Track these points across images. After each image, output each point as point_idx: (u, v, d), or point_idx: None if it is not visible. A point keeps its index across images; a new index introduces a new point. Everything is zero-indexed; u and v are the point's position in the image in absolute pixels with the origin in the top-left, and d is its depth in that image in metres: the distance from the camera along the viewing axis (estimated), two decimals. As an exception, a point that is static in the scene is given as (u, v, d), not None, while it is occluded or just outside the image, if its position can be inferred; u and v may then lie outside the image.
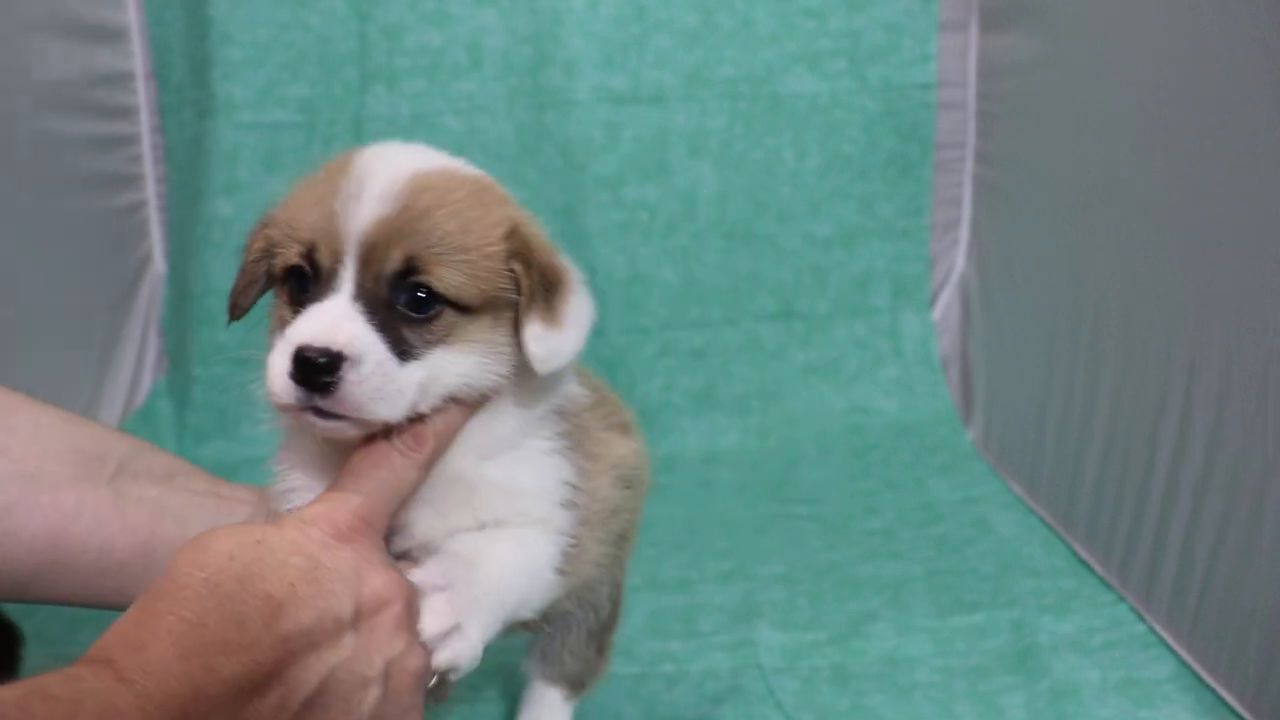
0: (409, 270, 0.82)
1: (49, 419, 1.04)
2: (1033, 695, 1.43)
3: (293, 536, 0.79)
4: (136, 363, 2.42)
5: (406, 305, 0.83)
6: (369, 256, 0.82)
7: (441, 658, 0.82)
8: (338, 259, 0.82)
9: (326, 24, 2.30)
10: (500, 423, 0.90)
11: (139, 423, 2.38)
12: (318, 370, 0.78)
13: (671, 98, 2.35)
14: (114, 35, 2.33)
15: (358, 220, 0.82)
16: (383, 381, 0.80)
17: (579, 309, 0.89)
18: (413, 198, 0.83)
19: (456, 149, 2.54)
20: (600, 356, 2.42)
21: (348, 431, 0.83)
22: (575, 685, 1.21)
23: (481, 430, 0.89)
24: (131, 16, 2.36)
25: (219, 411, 2.38)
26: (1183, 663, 1.49)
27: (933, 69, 2.39)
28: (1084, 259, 1.83)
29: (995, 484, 2.12)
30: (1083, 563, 1.79)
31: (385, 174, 0.84)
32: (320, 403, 0.80)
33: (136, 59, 2.38)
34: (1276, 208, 1.32)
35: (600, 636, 1.21)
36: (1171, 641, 1.53)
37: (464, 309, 0.85)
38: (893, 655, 1.55)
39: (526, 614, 0.91)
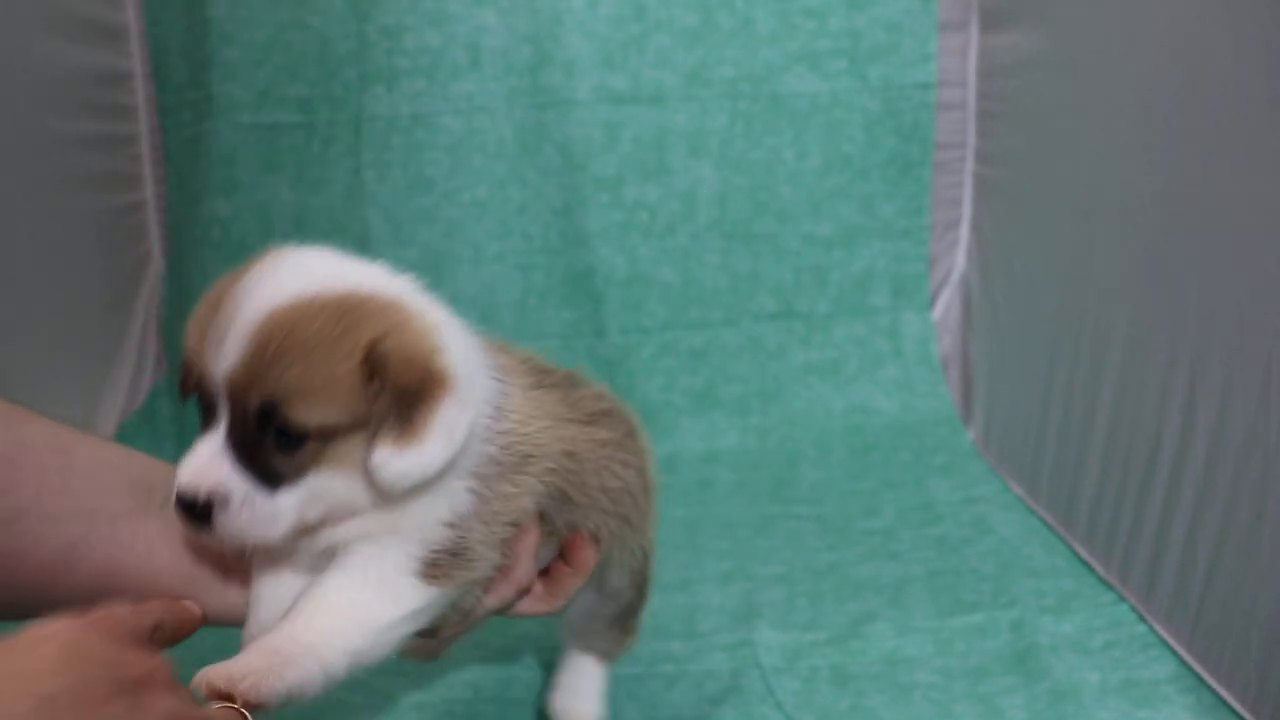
0: (267, 412, 0.86)
1: (105, 454, 1.08)
2: (1033, 696, 1.43)
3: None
4: (136, 363, 2.42)
5: (274, 440, 0.87)
6: (233, 398, 0.86)
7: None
8: (214, 396, 0.88)
9: (326, 24, 2.30)
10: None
11: (138, 423, 2.37)
12: (194, 511, 0.86)
13: (671, 97, 2.35)
14: (112, 35, 2.32)
15: (222, 364, 0.86)
16: (251, 516, 0.86)
17: (448, 416, 0.87)
18: (266, 338, 0.85)
19: (456, 149, 2.57)
20: (600, 356, 2.42)
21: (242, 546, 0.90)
22: (605, 655, 1.31)
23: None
24: (130, 16, 2.36)
25: (218, 412, 2.38)
26: (1183, 663, 1.49)
27: (933, 68, 2.39)
28: (1085, 259, 1.83)
29: (995, 484, 2.12)
30: (1083, 563, 1.79)
31: (246, 314, 0.86)
32: (203, 535, 0.88)
33: (135, 59, 2.38)
34: (1279, 207, 1.31)
35: (623, 620, 1.27)
36: (1172, 642, 1.53)
37: (329, 434, 0.88)
38: (893, 656, 1.55)
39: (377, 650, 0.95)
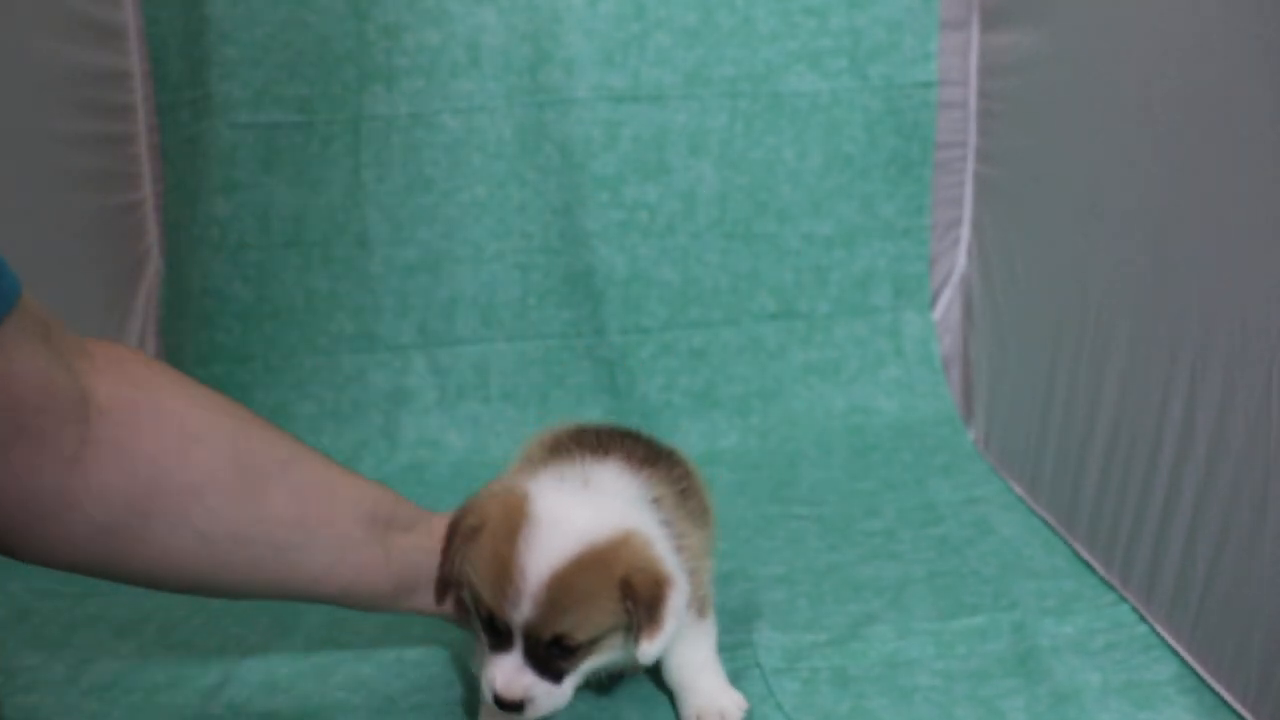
0: (556, 640, 1.20)
1: (346, 484, 1.29)
2: (1034, 698, 1.43)
3: None
4: (134, 363, 2.41)
5: (557, 653, 1.21)
6: (529, 633, 1.19)
7: None
8: (510, 632, 1.21)
9: (324, 23, 2.29)
10: None
11: (137, 423, 2.37)
12: (512, 708, 1.21)
13: (671, 96, 2.35)
14: (111, 34, 2.32)
15: (519, 617, 1.19)
16: (550, 704, 1.22)
17: (674, 605, 1.21)
18: (553, 599, 1.17)
19: (455, 148, 2.56)
20: (600, 356, 2.41)
21: None
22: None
23: None
24: (129, 15, 2.35)
25: (217, 412, 2.37)
26: (1185, 664, 1.48)
27: (934, 67, 2.39)
28: (1086, 258, 1.83)
29: (996, 484, 2.12)
30: (1084, 564, 1.78)
31: (534, 578, 1.17)
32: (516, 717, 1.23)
33: (134, 57, 2.38)
34: (1280, 207, 1.31)
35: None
36: (1173, 643, 1.52)
37: (595, 641, 1.22)
38: (893, 657, 1.54)
39: None
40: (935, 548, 1.88)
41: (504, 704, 1.21)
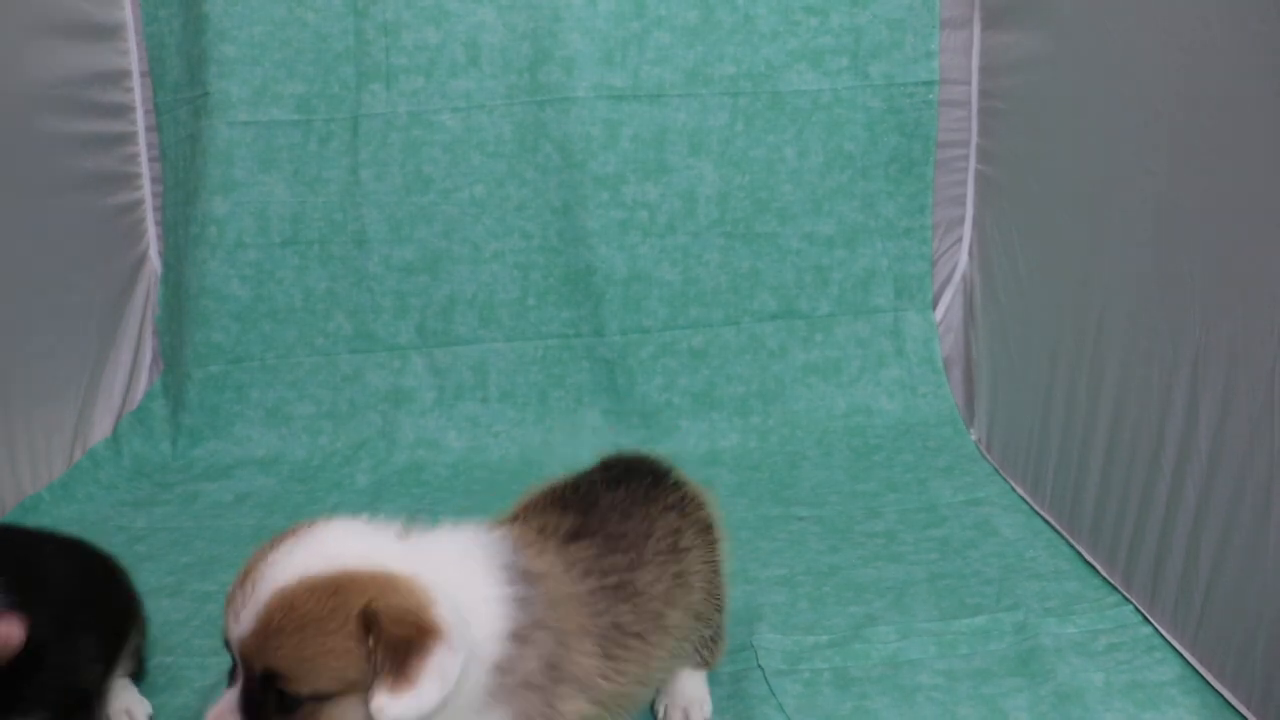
0: (269, 678, 0.97)
1: None
2: (1037, 698, 1.42)
3: None
4: (133, 363, 2.41)
5: (275, 702, 0.98)
6: (244, 664, 0.99)
7: None
8: (233, 652, 1.01)
9: (323, 21, 2.29)
10: None
11: (134, 424, 2.36)
12: None
13: (671, 95, 2.34)
14: (110, 33, 2.31)
15: (235, 636, 0.99)
16: None
17: (439, 662, 0.97)
18: (271, 617, 0.98)
19: (454, 147, 2.55)
20: (600, 356, 2.40)
21: None
22: (702, 665, 1.39)
23: None
24: (127, 14, 2.35)
25: (213, 412, 2.37)
26: (1188, 665, 1.48)
27: (935, 66, 2.38)
28: (1088, 258, 1.82)
29: (998, 485, 2.11)
30: (1087, 565, 1.78)
31: (256, 592, 0.99)
32: None
33: (132, 57, 2.37)
34: (1283, 205, 1.31)
35: (710, 646, 1.38)
36: (1176, 644, 1.52)
37: (323, 698, 0.98)
38: (895, 658, 1.53)
39: None
40: (937, 549, 1.87)
41: None
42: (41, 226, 2.11)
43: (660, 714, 1.37)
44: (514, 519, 1.20)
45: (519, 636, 1.05)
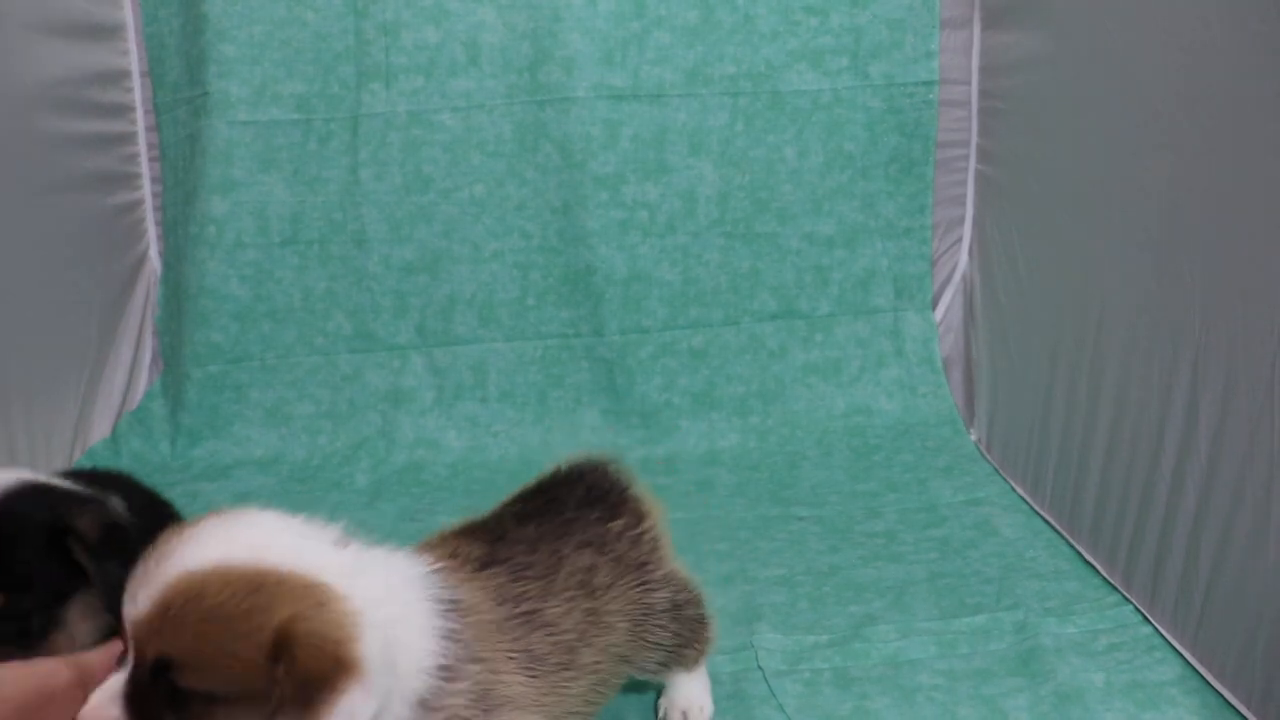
0: (160, 667, 0.89)
1: None
2: (1037, 698, 1.42)
3: None
4: (132, 363, 2.41)
5: (165, 694, 0.90)
6: (137, 648, 0.91)
7: None
8: (127, 634, 0.92)
9: (323, 20, 2.29)
10: None
11: (134, 424, 2.36)
12: None
13: (671, 95, 2.34)
14: (109, 33, 2.31)
15: (132, 614, 0.91)
16: None
17: (350, 705, 0.89)
18: (174, 600, 0.89)
19: (454, 146, 2.55)
20: (599, 356, 2.40)
21: None
22: (693, 663, 1.34)
23: None
24: (127, 14, 2.35)
25: (213, 412, 2.37)
26: (1188, 665, 1.48)
27: (935, 66, 2.38)
28: (1088, 258, 1.82)
29: (998, 485, 2.11)
30: (1087, 564, 1.78)
31: (161, 572, 0.91)
32: None
33: (132, 57, 2.37)
34: (1284, 205, 1.30)
35: (693, 633, 1.30)
36: (1176, 644, 1.52)
37: (216, 701, 0.90)
38: (895, 658, 1.53)
39: None
40: (937, 549, 1.87)
41: None
42: (41, 226, 2.11)
43: (660, 715, 1.36)
44: (428, 547, 1.13)
45: (448, 671, 0.98)
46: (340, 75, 2.31)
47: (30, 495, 1.14)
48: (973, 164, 2.41)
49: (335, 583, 0.93)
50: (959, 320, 2.45)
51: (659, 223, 2.38)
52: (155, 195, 2.44)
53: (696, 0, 2.31)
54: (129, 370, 2.39)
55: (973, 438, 2.32)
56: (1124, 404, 1.69)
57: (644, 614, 1.22)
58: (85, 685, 0.99)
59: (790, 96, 2.37)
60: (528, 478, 1.35)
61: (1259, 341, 1.34)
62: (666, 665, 1.30)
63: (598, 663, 1.13)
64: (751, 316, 2.44)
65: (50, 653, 1.08)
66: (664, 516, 1.32)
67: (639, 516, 1.28)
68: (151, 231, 2.46)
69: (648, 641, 1.23)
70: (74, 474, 1.28)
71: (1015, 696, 1.43)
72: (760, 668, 1.51)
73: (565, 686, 1.09)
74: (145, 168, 2.43)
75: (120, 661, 0.94)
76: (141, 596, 0.90)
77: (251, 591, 0.89)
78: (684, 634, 1.29)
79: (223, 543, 0.92)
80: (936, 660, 1.53)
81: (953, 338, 2.47)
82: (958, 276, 2.46)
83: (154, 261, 2.47)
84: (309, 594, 0.91)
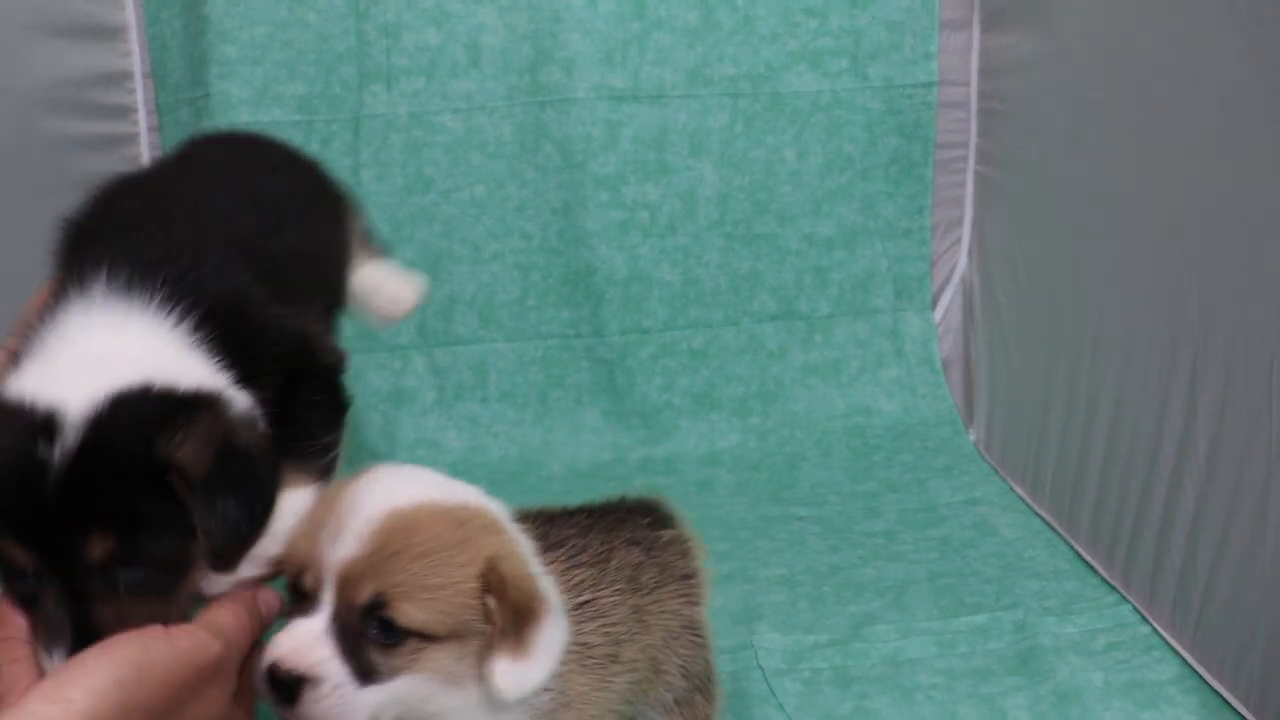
0: (376, 605, 0.89)
1: None
2: (1036, 697, 1.43)
3: None
4: (133, 363, 2.41)
5: (375, 632, 0.90)
6: (344, 589, 0.90)
7: None
8: (319, 585, 0.91)
9: (324, 22, 2.29)
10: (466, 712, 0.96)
11: (136, 423, 2.36)
12: (284, 686, 0.88)
13: (672, 96, 2.34)
14: (111, 34, 2.31)
15: (335, 555, 0.90)
16: (337, 704, 0.88)
17: (550, 638, 0.93)
18: (387, 538, 0.90)
19: (455, 147, 2.55)
20: (600, 356, 2.41)
21: None
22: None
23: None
24: (129, 16, 2.35)
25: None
26: (1186, 665, 1.48)
27: (934, 68, 2.38)
28: (1087, 259, 1.82)
29: (997, 485, 2.11)
30: (1086, 564, 1.78)
31: (364, 512, 0.91)
32: (284, 711, 0.90)
33: (134, 58, 2.37)
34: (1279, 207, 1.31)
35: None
36: (1175, 643, 1.52)
37: (429, 638, 0.91)
38: (895, 657, 1.54)
39: None
40: (936, 548, 1.87)
41: (277, 680, 0.89)
42: (43, 228, 2.11)
43: None
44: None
45: None
46: (342, 76, 2.31)
47: (128, 412, 0.90)
48: (972, 165, 2.41)
49: (508, 526, 0.97)
50: (958, 321, 2.45)
51: (659, 223, 2.39)
52: (157, 196, 2.44)
53: (697, 1, 2.31)
54: (130, 370, 2.39)
55: (972, 438, 2.33)
56: (1123, 404, 1.70)
57: (683, 626, 1.20)
58: (229, 653, 0.91)
59: (790, 98, 2.37)
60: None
61: (1257, 342, 1.35)
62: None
63: (636, 662, 1.12)
64: (751, 317, 2.45)
65: (188, 599, 0.93)
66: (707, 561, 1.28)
67: (685, 549, 1.26)
68: (153, 232, 2.46)
69: (677, 653, 1.20)
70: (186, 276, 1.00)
71: (1014, 696, 1.43)
72: (760, 667, 1.51)
73: (609, 682, 1.09)
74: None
75: (296, 609, 0.92)
76: (345, 539, 0.90)
77: (458, 526, 0.92)
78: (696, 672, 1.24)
79: (411, 485, 0.95)
80: (936, 659, 1.53)
81: (952, 338, 2.47)
82: (957, 277, 2.47)
83: (155, 262, 2.47)
84: (501, 530, 0.96)
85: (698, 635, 1.21)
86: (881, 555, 1.85)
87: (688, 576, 1.22)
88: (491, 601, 0.90)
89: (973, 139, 2.40)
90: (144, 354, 0.95)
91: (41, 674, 0.87)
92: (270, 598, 0.98)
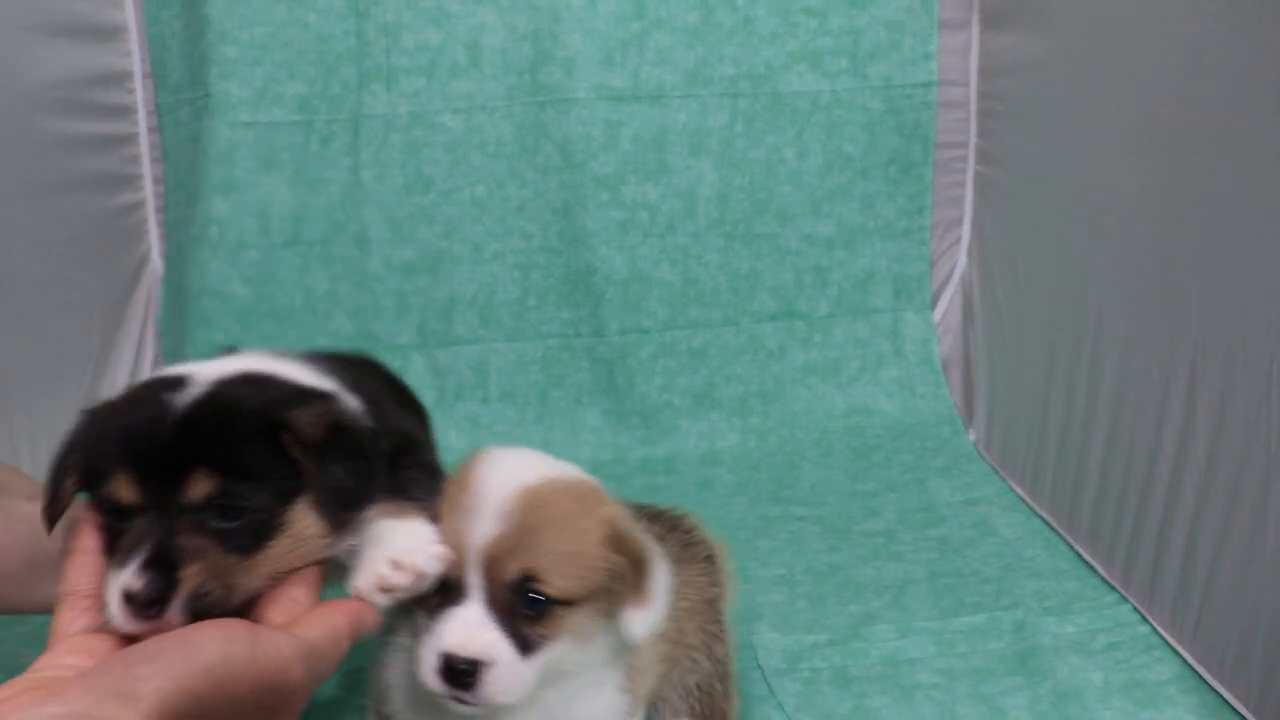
0: (525, 579, 0.96)
1: None
2: (1036, 697, 1.43)
3: None
4: (134, 364, 2.41)
5: (524, 606, 0.97)
6: (490, 569, 0.96)
7: None
8: (463, 570, 0.97)
9: (324, 22, 2.29)
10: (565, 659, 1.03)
11: (136, 423, 2.36)
12: (462, 674, 0.94)
13: (671, 96, 2.35)
14: (111, 34, 2.32)
15: (478, 538, 0.97)
16: (513, 679, 0.95)
17: (661, 583, 1.02)
18: (525, 515, 0.97)
19: (455, 147, 2.55)
20: (600, 356, 2.41)
21: (478, 713, 0.98)
22: None
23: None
24: (129, 15, 2.35)
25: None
26: (1186, 664, 1.48)
27: (934, 67, 2.38)
28: (1086, 258, 1.82)
29: (997, 485, 2.12)
30: (1085, 564, 1.78)
31: (495, 494, 0.98)
32: (462, 695, 0.95)
33: (134, 58, 2.37)
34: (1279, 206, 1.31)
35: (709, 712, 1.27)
36: (1175, 643, 1.52)
37: (569, 603, 0.99)
38: (894, 657, 1.54)
39: None
40: (936, 548, 1.87)
41: (453, 669, 0.95)
42: (43, 228, 2.11)
43: None
44: None
45: None
46: (342, 77, 2.31)
47: (252, 384, 0.99)
48: (971, 165, 2.42)
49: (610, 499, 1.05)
50: (958, 321, 2.45)
51: (659, 223, 2.39)
52: (157, 196, 2.45)
53: (696, 2, 2.31)
54: (131, 371, 2.39)
55: (971, 438, 2.33)
56: (1122, 403, 1.70)
57: (705, 602, 1.27)
58: (310, 681, 0.89)
59: (790, 98, 2.37)
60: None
61: (1257, 341, 1.35)
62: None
63: (664, 628, 1.16)
64: (751, 317, 2.45)
65: (271, 561, 0.94)
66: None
67: (703, 539, 1.35)
68: (153, 232, 2.46)
69: (700, 626, 1.25)
70: (320, 357, 1.13)
71: (1014, 695, 1.43)
72: (760, 667, 1.51)
73: (651, 647, 1.14)
74: (147, 169, 2.43)
75: (445, 598, 0.97)
76: (486, 521, 0.96)
77: (579, 498, 1.01)
78: (718, 656, 1.28)
79: (527, 464, 1.03)
80: (935, 659, 1.53)
81: (951, 338, 2.47)
82: (956, 277, 2.47)
83: (156, 262, 2.47)
84: (606, 497, 1.04)
85: (718, 618, 1.27)
86: (881, 555, 1.86)
87: (709, 558, 1.31)
88: (618, 560, 0.99)
89: (972, 139, 2.41)
90: (281, 366, 1.06)
91: (101, 604, 0.89)
92: (371, 617, 0.97)
